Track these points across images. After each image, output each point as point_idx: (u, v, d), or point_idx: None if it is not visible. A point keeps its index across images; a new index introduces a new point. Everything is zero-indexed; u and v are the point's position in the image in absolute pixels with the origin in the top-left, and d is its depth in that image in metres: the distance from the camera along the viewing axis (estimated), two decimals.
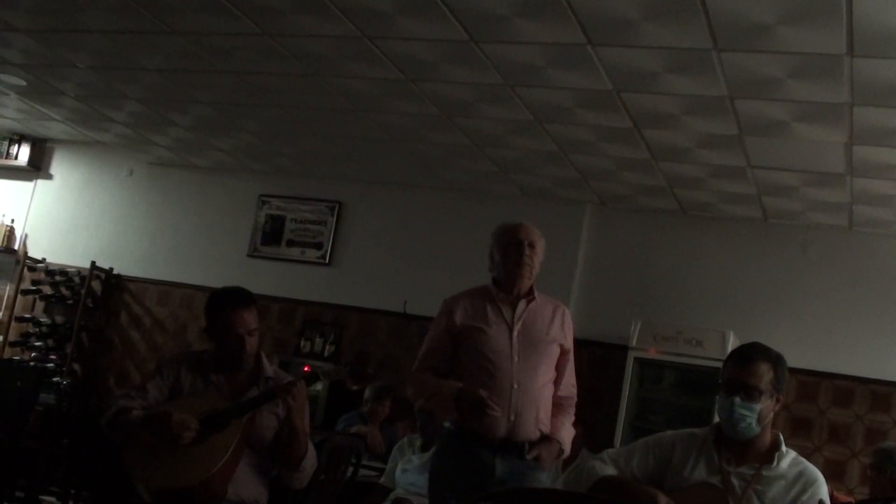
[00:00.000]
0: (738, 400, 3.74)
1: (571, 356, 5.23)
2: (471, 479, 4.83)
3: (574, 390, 5.25)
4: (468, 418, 4.87)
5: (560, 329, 5.13)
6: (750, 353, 3.82)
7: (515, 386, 4.91)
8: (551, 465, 5.02)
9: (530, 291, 5.13)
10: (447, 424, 5.08)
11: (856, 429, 9.22)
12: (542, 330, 5.07)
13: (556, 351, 5.11)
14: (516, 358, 4.96)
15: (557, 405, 5.10)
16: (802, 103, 6.73)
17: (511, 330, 5.02)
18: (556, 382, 5.13)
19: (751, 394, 3.74)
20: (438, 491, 5.03)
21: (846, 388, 9.30)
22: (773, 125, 7.21)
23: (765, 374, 3.77)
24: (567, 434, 5.06)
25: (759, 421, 3.77)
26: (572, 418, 5.18)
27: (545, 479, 4.97)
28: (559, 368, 5.14)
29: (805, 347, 8.98)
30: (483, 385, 4.87)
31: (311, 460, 4.81)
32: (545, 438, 4.96)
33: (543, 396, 5.00)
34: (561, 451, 5.01)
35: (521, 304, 5.09)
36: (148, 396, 4.74)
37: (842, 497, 7.16)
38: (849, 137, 7.20)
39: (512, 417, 4.87)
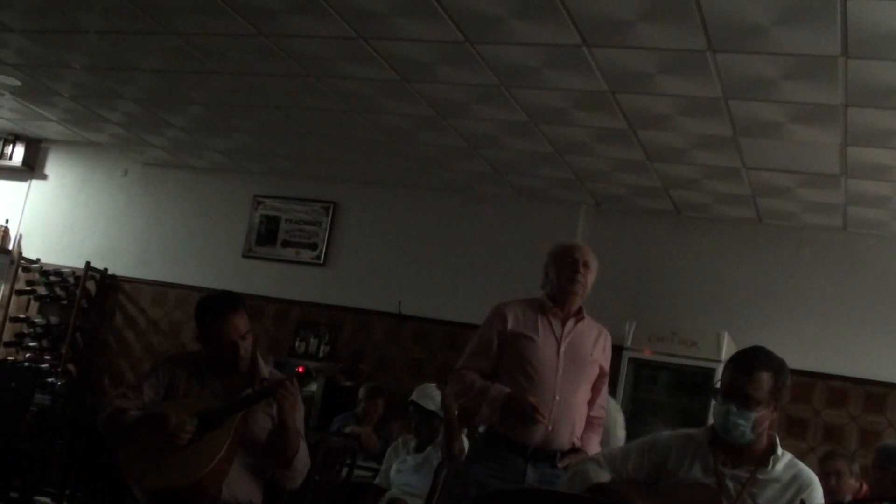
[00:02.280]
0: (733, 408, 3.73)
1: (608, 379, 5.40)
2: (501, 484, 4.90)
3: (603, 412, 5.38)
4: (513, 423, 4.97)
5: (602, 352, 5.29)
6: (752, 362, 3.79)
7: (557, 398, 5.02)
8: None
9: (580, 311, 5.27)
10: (481, 429, 5.22)
11: (850, 429, 9.23)
12: (587, 350, 5.21)
13: (596, 371, 5.25)
14: (560, 371, 5.08)
15: (588, 423, 5.23)
16: (797, 104, 6.74)
17: (559, 344, 5.14)
18: (591, 402, 5.25)
19: (747, 403, 3.73)
20: (468, 491, 5.04)
21: (840, 388, 9.31)
22: (768, 126, 7.22)
23: (765, 383, 3.75)
24: (594, 450, 5.13)
25: (753, 429, 3.76)
26: (599, 436, 5.31)
27: None
28: (595, 389, 5.27)
29: (799, 348, 8.98)
30: (526, 393, 4.97)
31: (303, 460, 4.79)
32: (575, 450, 5.06)
33: (581, 412, 5.14)
34: None
35: (570, 323, 5.22)
36: (143, 396, 4.73)
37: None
38: (843, 138, 7.21)
39: (550, 427, 4.98)
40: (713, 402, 3.85)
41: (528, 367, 5.07)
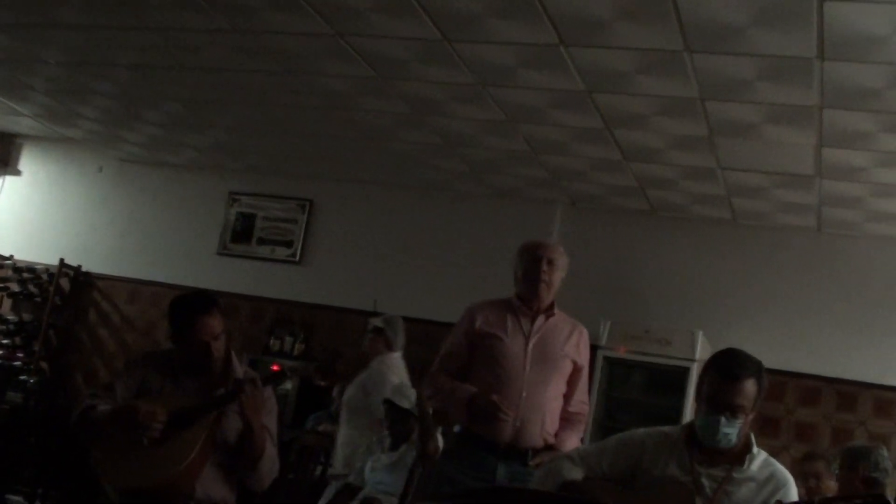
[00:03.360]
0: (724, 420, 3.73)
1: (585, 374, 5.37)
2: (472, 482, 4.93)
3: (585, 407, 5.41)
4: (478, 421, 5.01)
5: (575, 347, 5.28)
6: (738, 372, 3.78)
7: (524, 394, 5.06)
8: None
9: (551, 307, 5.29)
10: (456, 428, 5.25)
11: (822, 428, 9.29)
12: (557, 345, 5.22)
13: (568, 366, 5.25)
14: (528, 368, 5.11)
15: (566, 419, 5.25)
16: (772, 105, 6.77)
17: (527, 341, 5.17)
18: (567, 397, 5.28)
19: (736, 412, 3.74)
20: (440, 489, 5.08)
21: (813, 387, 9.36)
22: (744, 127, 7.24)
23: (751, 390, 3.77)
24: (573, 445, 5.13)
25: (739, 434, 3.78)
26: (580, 433, 5.36)
27: None
28: (570, 384, 5.29)
29: (773, 347, 9.01)
30: (493, 390, 5.01)
31: (268, 464, 4.76)
32: (549, 448, 5.07)
33: (551, 408, 5.16)
34: None
35: (541, 319, 5.25)
36: (115, 395, 4.71)
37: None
38: (818, 140, 7.24)
39: (517, 424, 5.01)
40: (700, 410, 3.83)
41: (495, 365, 5.12)
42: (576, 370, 5.29)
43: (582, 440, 5.41)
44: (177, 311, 4.85)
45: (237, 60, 7.70)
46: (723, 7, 5.48)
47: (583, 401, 5.36)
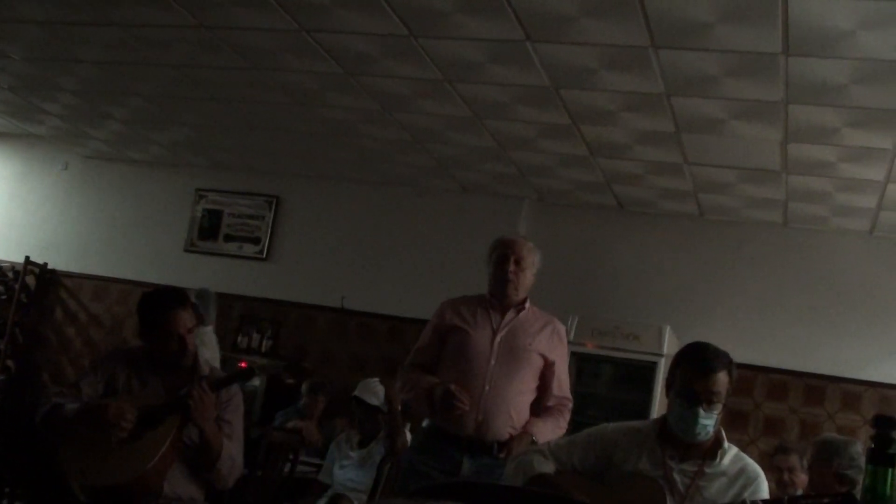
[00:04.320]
0: (701, 411, 3.74)
1: (562, 370, 5.32)
2: (438, 475, 4.93)
3: (566, 401, 5.32)
4: (439, 412, 4.99)
5: (547, 342, 5.24)
6: (711, 363, 3.79)
7: (487, 388, 5.03)
8: None
9: (522, 302, 5.28)
10: (425, 423, 5.22)
11: (790, 422, 9.33)
12: (525, 340, 5.18)
13: (537, 361, 5.20)
14: (493, 361, 5.09)
15: (544, 410, 5.23)
16: (738, 101, 6.79)
17: (494, 335, 5.16)
18: (542, 393, 5.24)
19: (712, 403, 3.75)
20: (407, 482, 5.09)
21: (781, 381, 9.41)
22: (710, 122, 7.26)
23: (724, 381, 3.78)
24: (544, 427, 5.11)
25: (714, 425, 3.79)
26: (560, 422, 5.25)
27: None
28: (544, 380, 5.24)
29: (740, 342, 9.02)
30: (457, 383, 4.98)
31: (227, 463, 4.72)
32: (519, 435, 5.04)
33: (517, 402, 5.11)
34: (533, 442, 5.00)
35: (511, 314, 5.23)
36: (81, 394, 4.69)
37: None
38: (784, 135, 7.27)
39: (480, 417, 4.99)
40: (675, 404, 3.83)
41: (460, 358, 5.11)
42: (547, 365, 5.23)
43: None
44: (149, 306, 4.84)
45: (203, 56, 7.67)
46: (688, 3, 5.50)
47: (562, 395, 5.30)
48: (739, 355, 8.88)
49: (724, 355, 3.84)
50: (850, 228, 9.37)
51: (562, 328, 5.39)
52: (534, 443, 4.97)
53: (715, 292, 9.69)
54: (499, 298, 5.25)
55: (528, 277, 5.30)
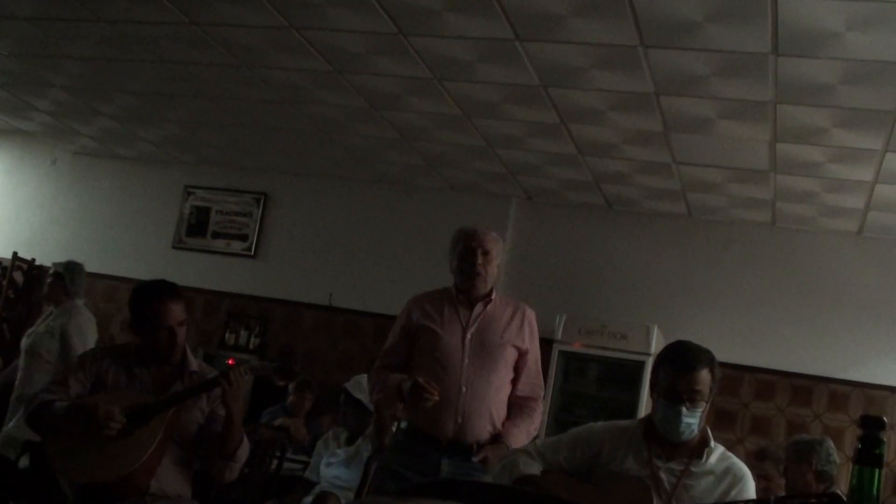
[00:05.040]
0: (684, 409, 3.74)
1: (534, 357, 5.17)
2: (415, 477, 4.81)
3: (538, 390, 5.18)
4: (412, 406, 4.85)
5: (517, 331, 5.08)
6: (692, 361, 3.78)
7: (464, 389, 4.90)
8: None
9: (489, 294, 5.10)
10: (403, 424, 5.11)
11: (777, 421, 9.36)
12: (496, 333, 5.03)
13: (511, 353, 5.05)
14: (466, 360, 4.94)
15: (515, 405, 5.07)
16: (727, 101, 6.80)
17: (465, 332, 5.01)
18: (515, 382, 5.09)
19: (695, 401, 3.75)
20: (385, 483, 5.04)
21: (768, 381, 9.43)
22: (698, 122, 7.27)
23: (707, 379, 3.77)
24: (519, 434, 4.98)
25: (699, 424, 3.80)
26: (532, 420, 5.10)
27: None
28: (517, 370, 5.10)
29: (728, 342, 9.08)
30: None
31: (244, 451, 4.75)
32: (495, 440, 4.92)
33: (496, 400, 4.98)
34: None
35: (479, 307, 5.07)
36: (69, 391, 4.68)
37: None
38: (772, 135, 7.28)
39: (459, 420, 4.87)
40: (659, 404, 3.83)
41: (432, 361, 4.95)
42: (521, 355, 5.09)
43: (536, 434, 5.22)
44: (141, 297, 4.82)
45: (192, 53, 7.66)
46: (678, 2, 5.50)
47: (534, 384, 5.16)
48: (727, 355, 8.93)
49: (706, 353, 3.84)
50: (838, 229, 9.39)
51: (531, 313, 5.20)
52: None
53: (703, 292, 9.71)
54: (466, 292, 5.08)
55: (494, 268, 5.11)
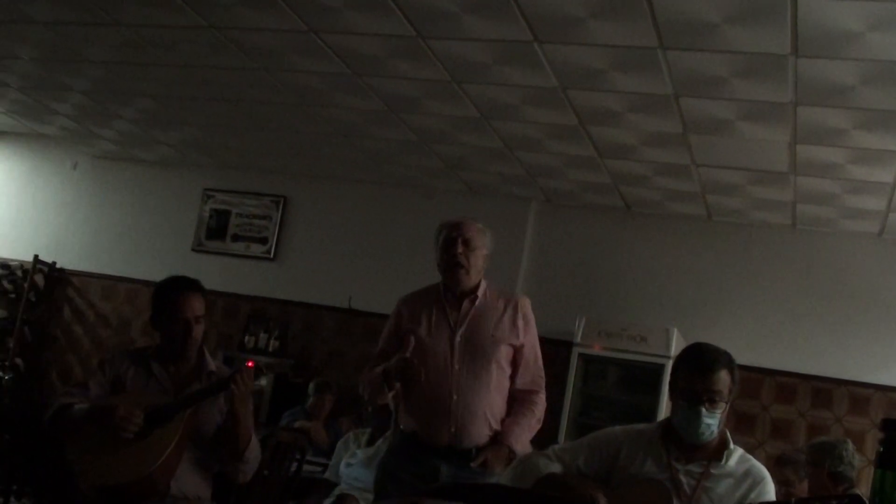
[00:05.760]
0: (704, 411, 3.73)
1: (531, 349, 4.96)
2: (414, 482, 4.71)
3: (539, 381, 4.99)
4: (403, 384, 4.71)
5: (510, 326, 4.88)
6: (711, 363, 3.78)
7: (455, 397, 4.74)
8: (501, 469, 4.67)
9: (475, 289, 4.92)
10: (402, 426, 4.97)
11: (798, 425, 9.32)
12: (486, 331, 4.84)
13: (504, 351, 4.86)
14: (457, 366, 4.78)
15: (516, 400, 4.91)
16: (747, 102, 6.78)
17: (453, 335, 4.85)
18: (513, 376, 4.91)
19: (715, 402, 3.74)
20: (384, 489, 4.91)
21: (788, 384, 9.39)
22: (718, 124, 7.25)
23: (726, 380, 3.76)
24: (521, 432, 4.82)
25: (719, 425, 3.79)
26: (534, 413, 4.92)
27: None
28: (515, 364, 4.92)
29: (748, 344, 9.06)
30: (422, 394, 4.76)
31: (254, 452, 4.75)
32: (495, 441, 4.77)
33: (493, 401, 4.81)
34: (510, 453, 4.74)
35: (466, 305, 4.89)
36: (90, 394, 4.70)
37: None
38: (792, 136, 7.26)
39: (453, 429, 4.74)
40: (678, 406, 3.82)
41: (421, 366, 4.70)
42: (517, 350, 4.90)
43: (540, 426, 5.01)
44: (163, 289, 4.91)
45: (211, 57, 7.67)
46: (697, 4, 5.49)
47: (534, 375, 4.96)
48: (747, 358, 8.92)
49: (725, 354, 3.83)
50: (858, 231, 9.35)
51: (525, 302, 5.00)
52: (512, 452, 4.74)
53: (722, 294, 9.68)
54: (452, 288, 4.91)
55: (479, 259, 4.91)
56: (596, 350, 9.24)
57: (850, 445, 6.35)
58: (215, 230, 11.29)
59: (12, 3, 7.29)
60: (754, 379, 9.25)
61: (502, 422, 4.84)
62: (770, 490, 3.78)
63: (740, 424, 9.21)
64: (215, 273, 10.99)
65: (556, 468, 3.83)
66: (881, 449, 2.25)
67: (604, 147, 8.26)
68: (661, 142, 7.88)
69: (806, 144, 7.38)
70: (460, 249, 4.86)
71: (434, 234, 5.11)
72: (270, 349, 10.66)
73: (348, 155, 9.91)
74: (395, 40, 6.73)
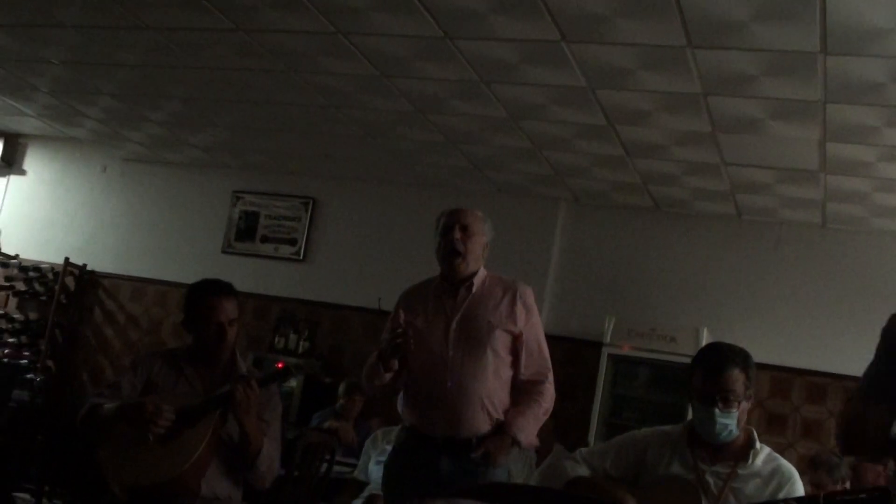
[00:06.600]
0: (717, 411, 3.72)
1: (533, 337, 4.81)
2: (415, 478, 4.65)
3: (544, 371, 4.81)
4: (394, 351, 4.62)
5: (508, 312, 4.75)
6: (721, 362, 3.77)
7: (450, 384, 4.63)
8: (504, 459, 4.60)
9: (471, 277, 4.81)
10: (405, 422, 4.88)
11: (829, 425, 9.25)
12: (483, 318, 4.72)
13: (500, 337, 4.72)
14: (451, 353, 4.67)
15: (522, 390, 4.76)
16: (776, 100, 6.76)
17: (449, 321, 4.74)
18: (516, 366, 4.76)
19: (729, 402, 3.73)
20: (389, 486, 4.89)
21: (819, 384, 9.34)
22: (747, 122, 7.23)
23: (738, 379, 3.75)
24: (525, 423, 4.68)
25: (738, 425, 3.77)
26: (539, 404, 4.75)
27: (499, 475, 4.60)
28: (516, 353, 4.76)
29: (778, 344, 9.02)
30: (419, 383, 4.72)
31: (266, 462, 4.69)
32: (497, 431, 4.63)
33: (490, 388, 4.66)
34: (514, 443, 4.63)
35: (463, 292, 4.79)
36: (121, 393, 4.72)
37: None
38: (822, 135, 7.23)
39: (448, 416, 4.63)
40: (695, 407, 3.82)
41: (416, 360, 4.68)
42: (515, 338, 4.74)
43: (547, 417, 4.83)
44: (196, 291, 4.89)
45: (239, 59, 7.70)
46: (725, 2, 5.48)
47: (539, 364, 4.79)
48: (777, 357, 8.86)
49: (738, 353, 3.81)
50: (889, 229, 9.29)
51: (526, 291, 4.86)
52: (515, 442, 4.63)
53: (752, 294, 9.64)
54: (449, 277, 4.79)
55: (477, 246, 4.80)
56: (625, 350, 9.23)
57: None
58: (244, 232, 11.33)
59: (42, 7, 7.34)
60: (784, 379, 9.21)
61: (506, 413, 4.71)
62: (798, 489, 3.75)
63: (771, 425, 9.17)
64: (245, 274, 11.02)
65: (583, 471, 3.83)
66: None
67: (632, 146, 8.25)
68: (690, 141, 7.86)
69: (835, 142, 7.35)
70: (458, 235, 4.75)
71: (434, 223, 4.97)
72: (300, 350, 10.68)
73: (376, 156, 9.93)
74: (423, 41, 6.74)
